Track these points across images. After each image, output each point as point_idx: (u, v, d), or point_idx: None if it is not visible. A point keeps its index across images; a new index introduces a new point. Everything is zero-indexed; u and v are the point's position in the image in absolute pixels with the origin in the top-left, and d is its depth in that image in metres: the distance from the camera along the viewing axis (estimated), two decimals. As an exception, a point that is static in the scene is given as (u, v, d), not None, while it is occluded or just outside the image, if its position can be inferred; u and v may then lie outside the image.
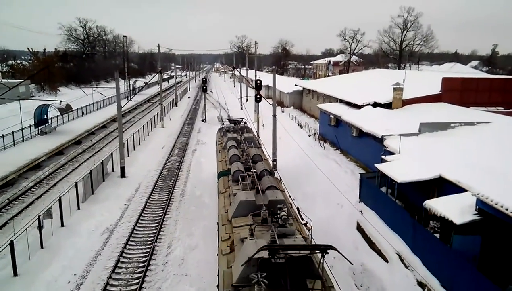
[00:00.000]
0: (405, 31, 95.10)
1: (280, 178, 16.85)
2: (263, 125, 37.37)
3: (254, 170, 14.89)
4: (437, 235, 14.16)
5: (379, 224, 16.87)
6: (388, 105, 30.00)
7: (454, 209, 12.85)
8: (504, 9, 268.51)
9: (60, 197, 20.25)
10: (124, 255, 17.28)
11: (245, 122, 27.57)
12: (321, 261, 7.64)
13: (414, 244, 14.61)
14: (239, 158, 17.30)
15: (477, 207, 12.47)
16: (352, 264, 10.34)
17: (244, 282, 7.85)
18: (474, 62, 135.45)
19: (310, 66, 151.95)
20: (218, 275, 10.49)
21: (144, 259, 16.98)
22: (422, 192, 16.66)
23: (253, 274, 7.47)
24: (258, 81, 32.78)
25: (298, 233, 9.91)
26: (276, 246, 8.00)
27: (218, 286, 10.24)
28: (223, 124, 30.10)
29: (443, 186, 15.88)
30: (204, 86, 56.90)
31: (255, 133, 28.15)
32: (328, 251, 7.49)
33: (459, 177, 15.16)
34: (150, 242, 18.45)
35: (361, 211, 18.64)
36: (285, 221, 9.73)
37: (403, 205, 17.10)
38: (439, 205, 13.43)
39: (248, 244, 8.45)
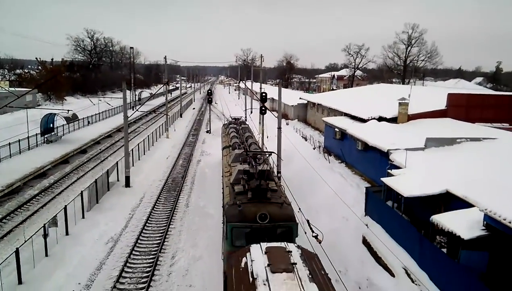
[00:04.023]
0: (409, 47, 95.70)
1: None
2: (267, 137, 37.44)
3: (247, 143, 23.15)
4: (444, 250, 14.07)
5: (386, 238, 16.75)
6: (393, 120, 30.03)
7: (462, 224, 12.78)
8: (507, 26, 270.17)
9: (65, 206, 20.30)
10: (128, 264, 17.24)
11: (242, 119, 37.73)
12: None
13: (421, 258, 14.50)
14: (237, 137, 26.59)
15: (485, 222, 12.40)
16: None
17: (236, 182, 15.70)
18: (478, 79, 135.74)
19: (315, 80, 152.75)
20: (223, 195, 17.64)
21: (148, 269, 16.92)
22: (428, 206, 16.58)
23: (240, 176, 15.75)
24: (264, 94, 33.02)
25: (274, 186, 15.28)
26: (248, 152, 17.57)
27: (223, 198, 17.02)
28: (227, 121, 40.85)
29: (450, 201, 15.81)
30: (209, 98, 57.28)
31: (249, 125, 36.74)
32: (271, 153, 17.65)
33: (467, 192, 15.10)
34: (154, 252, 18.40)
35: (367, 225, 18.53)
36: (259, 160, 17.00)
37: (409, 220, 17.01)
38: (446, 220, 13.36)
39: (237, 167, 16.92)
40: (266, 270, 9.05)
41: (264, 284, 8.52)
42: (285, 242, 10.78)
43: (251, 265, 9.42)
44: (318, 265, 9.84)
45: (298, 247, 10.59)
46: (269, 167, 17.14)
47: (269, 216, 13.03)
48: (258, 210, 13.12)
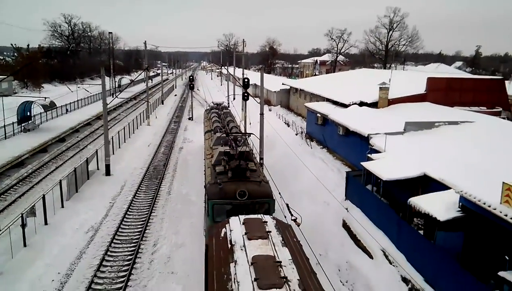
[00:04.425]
0: (391, 32, 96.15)
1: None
2: (250, 123, 37.34)
3: (228, 127, 23.15)
4: (421, 232, 14.38)
5: (365, 221, 17.03)
6: (374, 105, 30.32)
7: (438, 206, 13.06)
8: (487, 10, 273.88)
9: (43, 195, 19.92)
10: (109, 253, 17.10)
11: (224, 104, 38.50)
12: (249, 142, 20.99)
13: (399, 240, 14.81)
14: (219, 122, 27.02)
15: (460, 204, 12.70)
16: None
17: (217, 163, 16.35)
18: (458, 63, 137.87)
19: (297, 66, 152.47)
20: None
21: (129, 257, 16.83)
22: (407, 189, 16.86)
23: (221, 157, 16.32)
24: (246, 80, 32.77)
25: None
26: (229, 135, 18.61)
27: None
28: (209, 106, 40.46)
29: (427, 184, 16.13)
30: (191, 84, 56.65)
31: (231, 110, 37.65)
32: (250, 134, 19.73)
33: (443, 174, 15.41)
34: (135, 240, 18.29)
35: (347, 209, 18.79)
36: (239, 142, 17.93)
37: (388, 203, 17.29)
38: (423, 202, 13.63)
39: (218, 149, 17.60)
40: (243, 237, 9.86)
41: (241, 249, 9.35)
42: (262, 214, 11.68)
43: (230, 234, 10.20)
44: (290, 233, 10.82)
45: (273, 218, 11.43)
46: (248, 148, 18.19)
47: (247, 193, 14.00)
48: (237, 187, 14.07)
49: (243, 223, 10.64)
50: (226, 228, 10.66)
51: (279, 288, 7.80)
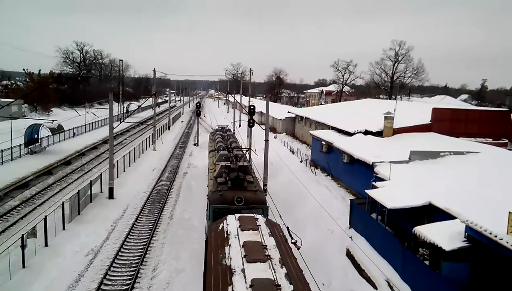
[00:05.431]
0: (396, 64, 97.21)
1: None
2: (255, 150, 37.37)
3: (230, 147, 23.52)
4: (427, 262, 14.04)
5: (369, 250, 16.69)
6: (379, 134, 30.30)
7: (444, 236, 12.80)
8: (494, 45, 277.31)
9: (45, 216, 19.84)
10: (108, 277, 16.81)
11: (228, 128, 41.03)
12: (249, 158, 24.85)
13: (404, 271, 14.44)
14: (222, 142, 28.69)
15: (466, 234, 12.44)
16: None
17: (219, 175, 18.10)
18: (464, 96, 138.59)
19: (303, 95, 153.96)
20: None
21: (128, 281, 16.53)
22: (412, 218, 16.61)
23: (222, 170, 18.19)
24: (252, 107, 33.09)
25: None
26: (229, 151, 21.39)
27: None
28: (213, 129, 44.06)
29: (432, 213, 15.87)
30: (198, 111, 57.23)
31: (233, 132, 41.62)
32: (249, 149, 26.57)
33: (449, 204, 15.18)
34: (135, 265, 18.02)
35: (351, 237, 18.46)
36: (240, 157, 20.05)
37: (393, 232, 16.99)
38: (428, 232, 13.37)
39: (220, 164, 19.46)
40: (237, 229, 11.71)
41: (235, 237, 11.20)
42: (254, 213, 13.66)
43: (226, 227, 12.05)
44: (278, 228, 12.69)
45: (264, 217, 13.51)
46: (247, 163, 20.79)
47: (244, 199, 15.99)
48: (235, 194, 16.09)
49: (238, 219, 12.48)
50: (223, 223, 12.43)
51: (263, 262, 9.56)
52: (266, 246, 10.47)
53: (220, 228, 12.26)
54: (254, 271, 9.14)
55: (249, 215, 13.18)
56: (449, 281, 12.12)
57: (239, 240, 10.90)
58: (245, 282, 8.70)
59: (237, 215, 12.89)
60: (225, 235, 11.44)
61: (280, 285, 8.47)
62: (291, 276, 9.15)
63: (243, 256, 9.90)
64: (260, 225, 11.97)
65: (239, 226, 11.79)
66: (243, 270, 9.26)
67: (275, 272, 9.09)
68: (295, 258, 10.68)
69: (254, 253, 10.00)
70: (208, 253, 11.40)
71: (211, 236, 12.24)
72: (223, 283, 9.02)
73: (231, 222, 12.33)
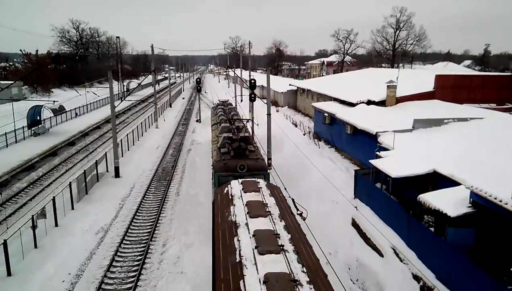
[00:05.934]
0: (398, 31, 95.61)
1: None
2: (257, 124, 37.30)
3: (232, 119, 23.60)
4: (432, 229, 14.23)
5: (374, 219, 16.90)
6: (382, 103, 30.13)
7: (448, 202, 12.92)
8: (496, 9, 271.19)
9: (54, 197, 20.10)
10: (119, 254, 17.18)
11: (229, 102, 42.27)
12: (252, 132, 27.28)
13: (409, 238, 14.65)
14: (224, 115, 29.98)
15: (471, 199, 12.55)
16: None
17: (222, 146, 19.29)
18: (467, 62, 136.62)
19: (304, 67, 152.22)
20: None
21: (139, 257, 16.89)
22: (416, 186, 16.72)
23: (225, 141, 19.31)
24: (253, 81, 32.77)
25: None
26: (231, 121, 22.11)
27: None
28: (214, 104, 44.87)
29: (437, 180, 15.96)
30: (198, 87, 56.82)
31: (235, 106, 41.66)
32: (249, 120, 25.96)
33: (453, 170, 15.25)
34: (145, 241, 18.36)
35: (356, 207, 18.67)
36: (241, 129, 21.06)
37: (397, 200, 17.15)
38: (433, 199, 13.50)
39: (222, 135, 20.63)
40: (241, 192, 12.94)
41: (239, 198, 12.42)
42: (256, 178, 15.06)
43: (231, 190, 13.31)
44: (278, 190, 14.08)
45: (265, 181, 14.86)
46: (248, 134, 21.87)
47: (246, 167, 17.20)
48: (238, 162, 17.33)
49: (241, 183, 13.73)
50: (228, 187, 13.68)
51: (264, 217, 10.74)
52: (267, 204, 11.77)
53: (225, 191, 13.49)
54: (256, 224, 10.32)
55: (251, 179, 14.43)
56: (454, 247, 12.31)
57: (242, 200, 12.16)
58: (249, 233, 9.89)
59: (240, 180, 14.13)
60: (230, 197, 12.71)
61: (279, 234, 9.68)
62: (289, 228, 10.36)
63: (246, 212, 11.16)
64: (261, 187, 13.24)
65: (242, 189, 13.06)
66: (246, 224, 10.46)
67: (275, 224, 10.32)
68: (293, 214, 12.09)
69: (256, 210, 11.21)
70: (215, 213, 12.58)
71: (217, 198, 13.46)
72: (229, 235, 10.19)
73: (235, 186, 13.61)
